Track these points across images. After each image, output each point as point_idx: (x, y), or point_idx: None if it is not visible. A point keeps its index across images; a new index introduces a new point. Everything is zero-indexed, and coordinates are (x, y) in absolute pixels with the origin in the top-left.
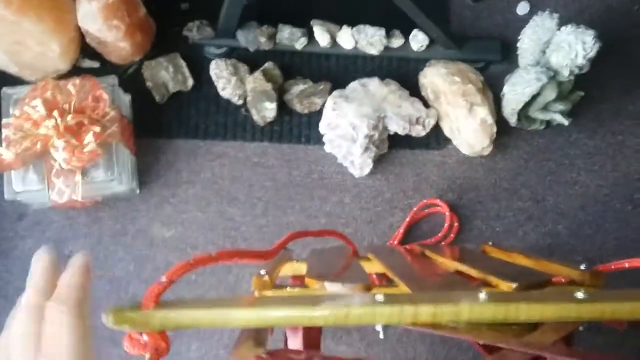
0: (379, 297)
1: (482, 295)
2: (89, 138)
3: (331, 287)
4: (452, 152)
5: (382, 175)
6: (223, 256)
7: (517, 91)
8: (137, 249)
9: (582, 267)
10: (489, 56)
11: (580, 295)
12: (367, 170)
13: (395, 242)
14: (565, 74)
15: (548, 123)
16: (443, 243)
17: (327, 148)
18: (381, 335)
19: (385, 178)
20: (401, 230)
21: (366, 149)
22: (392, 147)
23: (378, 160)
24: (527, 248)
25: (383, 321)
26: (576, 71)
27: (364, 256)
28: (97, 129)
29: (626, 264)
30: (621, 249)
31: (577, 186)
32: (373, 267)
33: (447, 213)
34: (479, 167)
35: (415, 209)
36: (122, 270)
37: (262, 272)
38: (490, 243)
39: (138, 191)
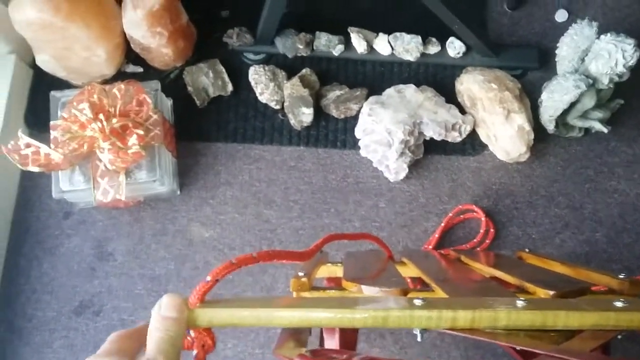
0: (417, 302)
1: (520, 302)
2: (132, 140)
3: (368, 290)
4: (488, 158)
5: (417, 180)
6: (264, 257)
7: (555, 98)
8: (176, 249)
9: (622, 276)
10: (527, 63)
11: (619, 304)
12: (402, 175)
13: (430, 247)
14: (604, 82)
15: (586, 131)
16: (478, 249)
17: (363, 153)
18: (419, 338)
19: (421, 183)
20: (436, 235)
21: (402, 154)
22: (427, 152)
23: (413, 165)
24: (563, 255)
25: (421, 325)
26: (616, 79)
27: (399, 260)
28: (141, 131)
29: None
30: None
31: (617, 194)
32: (408, 271)
33: (483, 219)
34: (515, 174)
35: (450, 214)
36: (163, 269)
37: (301, 273)
38: (527, 250)
39: (178, 192)
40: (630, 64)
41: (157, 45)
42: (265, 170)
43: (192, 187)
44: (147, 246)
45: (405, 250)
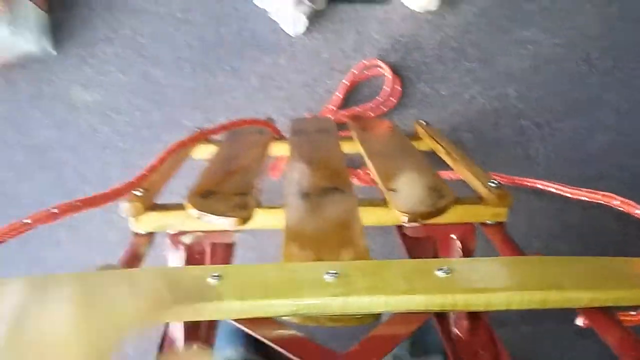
0: (212, 280)
1: (328, 277)
2: None
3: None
4: (397, 8)
5: (319, 34)
6: (66, 210)
7: None
8: (57, 114)
9: (492, 184)
10: None
11: (440, 273)
12: (301, 27)
13: (332, 108)
14: None
15: None
16: (383, 108)
17: (258, 2)
18: None
19: (324, 37)
20: (339, 95)
21: (299, 2)
22: (332, 1)
23: (316, 17)
24: (472, 113)
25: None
26: None
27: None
28: None
29: (538, 185)
30: (572, 112)
31: (531, 45)
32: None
33: (388, 76)
34: (425, 24)
35: (354, 71)
36: (44, 136)
37: (137, 192)
38: (424, 122)
39: (55, 52)
40: None
41: None
42: (150, 23)
43: (68, 45)
44: (24, 112)
45: (296, 124)
